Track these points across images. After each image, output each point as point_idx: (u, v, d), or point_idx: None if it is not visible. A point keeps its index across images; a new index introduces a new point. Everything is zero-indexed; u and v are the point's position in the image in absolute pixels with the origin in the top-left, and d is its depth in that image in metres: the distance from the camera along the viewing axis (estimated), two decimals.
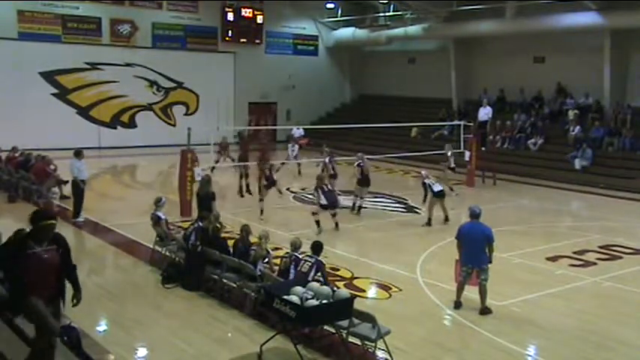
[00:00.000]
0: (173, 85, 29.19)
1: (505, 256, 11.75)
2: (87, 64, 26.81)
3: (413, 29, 28.72)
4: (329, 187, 14.28)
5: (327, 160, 17.62)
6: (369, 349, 7.50)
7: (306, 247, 9.04)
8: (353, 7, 32.31)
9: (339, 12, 32.36)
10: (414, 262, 11.60)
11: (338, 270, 11.01)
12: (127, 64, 27.67)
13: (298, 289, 7.34)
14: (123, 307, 9.20)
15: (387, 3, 30.31)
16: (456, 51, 28.58)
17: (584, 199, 19.65)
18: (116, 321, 8.67)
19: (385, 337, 7.32)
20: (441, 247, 12.66)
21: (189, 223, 11.49)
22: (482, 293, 9.07)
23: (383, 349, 7.38)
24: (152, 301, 9.61)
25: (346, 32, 32.52)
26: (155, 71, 28.51)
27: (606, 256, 12.46)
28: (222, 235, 10.67)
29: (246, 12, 29.94)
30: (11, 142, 19.06)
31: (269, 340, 7.53)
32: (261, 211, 14.89)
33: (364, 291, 10.06)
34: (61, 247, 6.04)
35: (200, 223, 10.29)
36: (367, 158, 16.72)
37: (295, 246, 8.94)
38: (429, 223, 14.69)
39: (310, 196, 16.23)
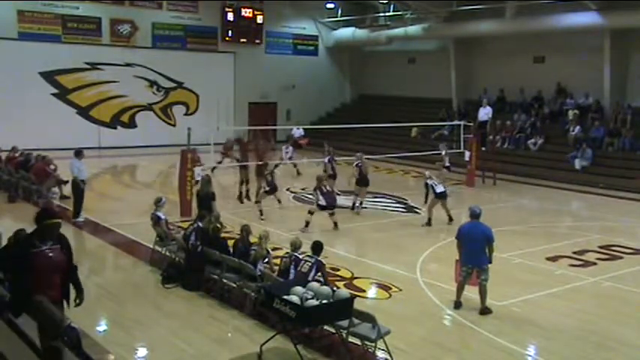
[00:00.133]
0: (173, 85, 29.18)
1: (505, 256, 11.75)
2: (87, 64, 26.80)
3: (413, 29, 28.71)
4: (328, 188, 14.29)
5: (326, 160, 17.66)
6: (369, 349, 7.49)
7: (306, 247, 9.04)
8: (353, 7, 32.30)
9: (339, 12, 32.36)
10: (414, 262, 11.60)
11: (338, 270, 11.01)
12: (127, 64, 27.66)
13: (298, 289, 7.34)
14: (123, 307, 9.20)
15: (387, 3, 30.31)
16: (456, 51, 28.58)
17: (584, 199, 19.64)
18: (116, 321, 8.67)
19: (385, 337, 7.32)
20: (441, 247, 12.66)
21: (189, 223, 11.48)
22: (482, 293, 9.07)
23: (383, 349, 7.38)
24: (152, 301, 9.61)
25: (346, 32, 32.52)
26: (155, 71, 28.50)
27: (606, 256, 12.46)
28: (222, 235, 10.67)
29: (246, 12, 29.93)
30: (11, 142, 19.07)
31: (269, 340, 7.53)
32: (261, 212, 14.90)
33: (364, 291, 10.07)
34: (64, 248, 6.06)
35: (199, 223, 10.29)
36: (367, 158, 16.82)
37: (295, 246, 8.94)
38: (428, 223, 14.69)
39: (310, 196, 16.25)
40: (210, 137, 15.85)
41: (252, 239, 9.73)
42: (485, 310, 9.07)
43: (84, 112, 27.10)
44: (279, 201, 15.41)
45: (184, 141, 15.04)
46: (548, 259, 12.11)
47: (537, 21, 24.20)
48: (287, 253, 9.13)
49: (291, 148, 22.44)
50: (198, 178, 14.46)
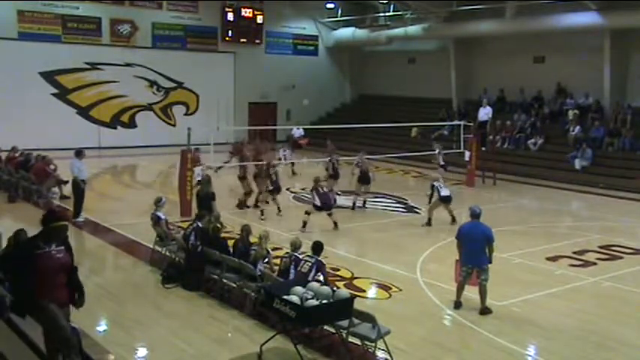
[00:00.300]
0: (173, 85, 29.18)
1: (505, 256, 11.75)
2: (87, 64, 26.80)
3: (413, 29, 28.71)
4: (324, 189, 14.28)
5: (327, 159, 17.67)
6: (369, 349, 7.50)
7: (306, 247, 9.04)
8: (353, 7, 32.30)
9: (339, 12, 32.35)
10: (414, 262, 11.60)
11: (338, 270, 11.01)
12: (127, 64, 27.65)
13: (298, 289, 7.34)
14: (123, 307, 9.19)
15: (387, 3, 30.31)
16: (456, 51, 28.57)
17: (584, 199, 19.64)
18: (116, 321, 8.66)
19: (385, 337, 7.32)
20: (441, 247, 12.66)
21: (189, 223, 11.48)
22: (482, 293, 9.07)
23: (383, 349, 7.38)
24: (152, 301, 9.61)
25: (346, 32, 32.51)
26: (155, 71, 28.49)
27: (606, 256, 12.46)
28: (222, 235, 10.67)
29: (246, 12, 29.93)
30: (11, 142, 19.06)
31: (269, 340, 7.53)
32: (262, 212, 14.90)
33: (364, 291, 10.07)
34: (67, 249, 6.06)
35: (199, 223, 10.29)
36: (367, 158, 16.86)
37: (295, 246, 8.94)
38: (428, 223, 14.69)
39: (309, 196, 16.23)
40: (210, 137, 15.85)
41: (252, 239, 9.73)
42: (485, 310, 9.07)
43: (84, 112, 27.10)
44: (279, 209, 15.29)
45: (184, 141, 15.05)
46: (548, 259, 12.11)
47: (537, 21, 24.20)
48: (287, 253, 9.13)
49: (288, 150, 22.43)
50: (199, 179, 14.44)
